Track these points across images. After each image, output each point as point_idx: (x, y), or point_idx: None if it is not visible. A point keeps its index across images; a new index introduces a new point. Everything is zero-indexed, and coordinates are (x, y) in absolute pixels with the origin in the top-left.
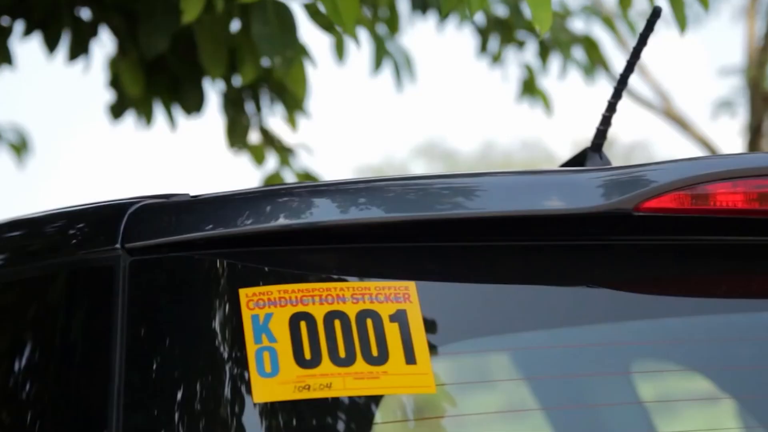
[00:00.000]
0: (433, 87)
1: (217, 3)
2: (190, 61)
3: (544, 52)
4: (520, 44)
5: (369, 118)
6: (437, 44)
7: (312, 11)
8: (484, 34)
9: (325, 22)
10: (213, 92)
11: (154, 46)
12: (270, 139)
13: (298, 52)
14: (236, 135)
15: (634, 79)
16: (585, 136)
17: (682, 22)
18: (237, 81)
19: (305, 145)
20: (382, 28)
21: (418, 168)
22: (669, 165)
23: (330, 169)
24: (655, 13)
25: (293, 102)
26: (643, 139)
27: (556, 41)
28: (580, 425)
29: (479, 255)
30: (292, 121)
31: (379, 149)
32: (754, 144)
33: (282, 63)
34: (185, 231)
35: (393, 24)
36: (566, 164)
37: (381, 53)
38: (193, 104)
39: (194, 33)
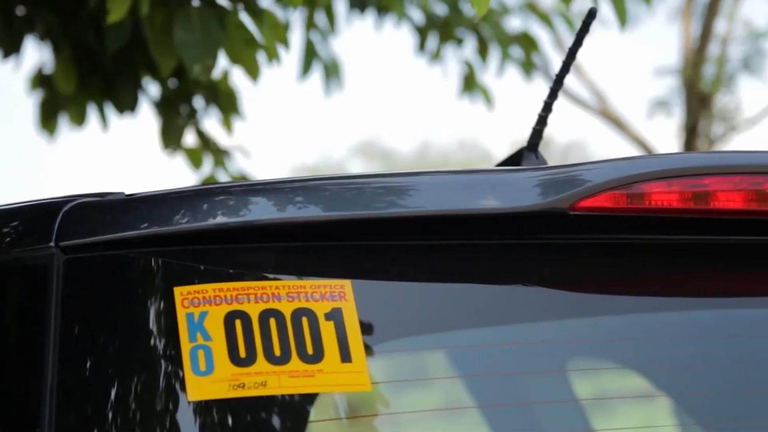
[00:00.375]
0: (371, 86)
1: (142, 5)
2: (123, 59)
3: (482, 49)
4: (459, 42)
5: (306, 118)
6: (375, 43)
7: (235, 24)
8: (422, 32)
9: (248, 37)
10: (148, 93)
11: (113, 41)
12: (206, 142)
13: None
14: (170, 137)
15: (570, 79)
16: (522, 136)
17: (622, 17)
18: (172, 82)
19: (241, 148)
20: (317, 30)
21: (356, 167)
22: (604, 164)
23: (267, 169)
24: (591, 14)
25: (228, 105)
26: (580, 139)
27: (495, 37)
28: (516, 423)
29: (415, 254)
30: (227, 124)
31: (316, 149)
32: (689, 144)
33: (201, 71)
34: (120, 229)
35: (330, 23)
36: (502, 164)
37: (310, 59)
38: (126, 104)
39: (140, 28)
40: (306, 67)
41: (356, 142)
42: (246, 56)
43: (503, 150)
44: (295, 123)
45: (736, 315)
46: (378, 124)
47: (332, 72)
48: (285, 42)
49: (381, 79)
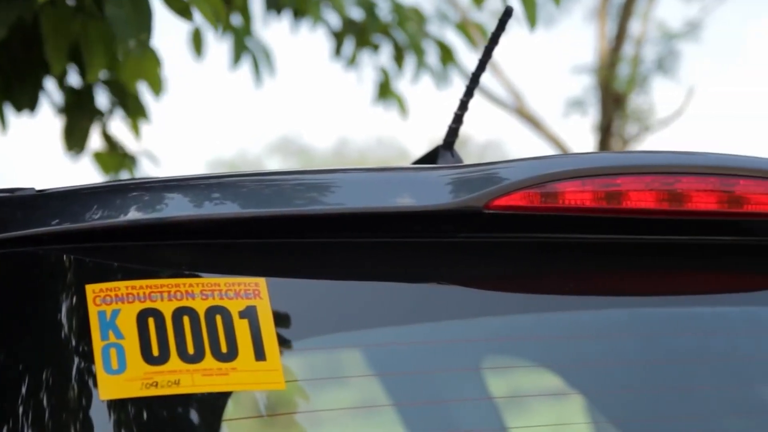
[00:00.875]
0: (290, 83)
1: None
2: (22, 57)
3: (398, 56)
4: (375, 48)
5: (224, 111)
6: (294, 41)
7: None
8: (338, 37)
9: (181, 7)
10: (51, 92)
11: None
12: (112, 145)
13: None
14: (74, 138)
15: (487, 78)
16: (440, 134)
17: (532, 19)
18: (74, 81)
19: (149, 153)
20: (237, 21)
21: (274, 164)
22: (519, 163)
23: (182, 163)
24: (507, 13)
25: (135, 108)
26: (497, 138)
27: (411, 45)
28: (431, 421)
29: (331, 251)
30: (135, 128)
31: (233, 143)
32: (604, 143)
33: (136, 46)
34: (30, 226)
35: (246, 23)
36: (418, 162)
37: (240, 47)
38: (25, 102)
39: (39, 25)
40: (237, 56)
41: (274, 139)
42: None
43: (421, 148)
44: (212, 116)
45: (648, 313)
46: (297, 121)
47: (264, 59)
48: (220, 8)
49: (300, 76)
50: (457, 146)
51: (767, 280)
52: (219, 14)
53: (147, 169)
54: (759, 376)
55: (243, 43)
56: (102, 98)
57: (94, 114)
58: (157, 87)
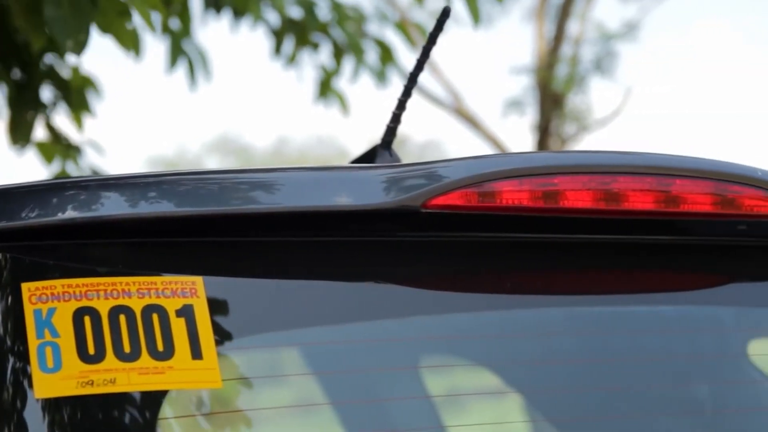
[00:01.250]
0: (230, 82)
1: None
2: None
3: (338, 55)
4: (315, 46)
5: (164, 108)
6: (234, 40)
7: None
8: (278, 35)
9: (120, 8)
10: None
11: None
12: (56, 137)
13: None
14: (19, 132)
15: (426, 78)
16: (380, 134)
17: (475, 15)
18: (16, 74)
19: (94, 143)
20: (175, 24)
21: (213, 162)
22: (456, 163)
23: (122, 160)
24: (445, 13)
25: (78, 101)
26: (436, 137)
27: (351, 45)
28: (369, 420)
29: (269, 250)
30: (77, 121)
31: (172, 141)
32: (542, 143)
33: (74, 47)
34: None
35: (185, 23)
36: (356, 161)
37: (176, 51)
38: None
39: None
40: (173, 60)
41: (213, 137)
42: (119, 28)
43: (360, 147)
44: (151, 114)
45: (584, 312)
46: (236, 119)
47: (200, 63)
48: (160, 8)
49: (240, 75)
50: (396, 146)
51: (702, 279)
52: (159, 12)
53: (92, 159)
54: (694, 374)
55: (179, 47)
56: (46, 92)
57: (39, 108)
58: (130, 44)
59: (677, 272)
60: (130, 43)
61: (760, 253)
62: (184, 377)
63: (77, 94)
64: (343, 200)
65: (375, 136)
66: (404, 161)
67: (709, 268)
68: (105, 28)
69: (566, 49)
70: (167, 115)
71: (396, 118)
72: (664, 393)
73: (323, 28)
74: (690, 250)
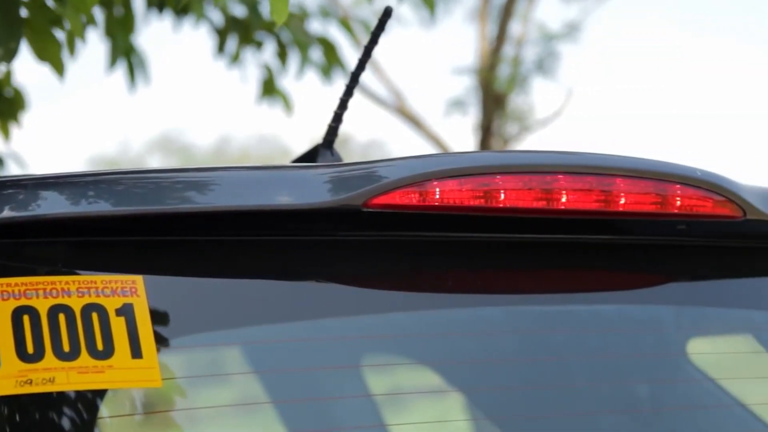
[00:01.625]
0: (172, 79)
1: None
2: None
3: (282, 53)
4: (259, 45)
5: (106, 107)
6: (176, 38)
7: (38, 4)
8: (221, 34)
9: (52, 17)
10: None
11: None
12: None
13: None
14: None
15: (370, 78)
16: (322, 133)
17: (431, 6)
18: None
19: (16, 156)
20: (114, 29)
21: (155, 161)
22: (398, 162)
23: (62, 159)
24: (387, 13)
25: (8, 110)
26: (379, 137)
27: (295, 42)
28: (311, 418)
29: (210, 250)
30: (4, 131)
31: (115, 139)
32: (484, 143)
33: (4, 55)
34: None
35: (128, 23)
36: (298, 160)
37: (116, 52)
38: None
39: None
40: (112, 61)
41: (156, 135)
42: (47, 45)
43: (303, 146)
44: (93, 111)
45: (525, 311)
46: (178, 117)
47: (139, 66)
48: (90, 17)
49: (182, 73)
50: (338, 145)
51: (642, 278)
52: (89, 21)
53: (13, 172)
54: (633, 373)
55: (119, 49)
56: None
57: None
58: (59, 67)
59: (617, 271)
60: (55, 61)
61: (699, 253)
62: (123, 376)
63: (7, 104)
64: (285, 199)
65: (317, 136)
66: (346, 161)
67: (649, 267)
68: (33, 46)
69: (508, 50)
70: (110, 113)
71: (338, 118)
72: (604, 391)
73: (268, 27)
74: (630, 249)
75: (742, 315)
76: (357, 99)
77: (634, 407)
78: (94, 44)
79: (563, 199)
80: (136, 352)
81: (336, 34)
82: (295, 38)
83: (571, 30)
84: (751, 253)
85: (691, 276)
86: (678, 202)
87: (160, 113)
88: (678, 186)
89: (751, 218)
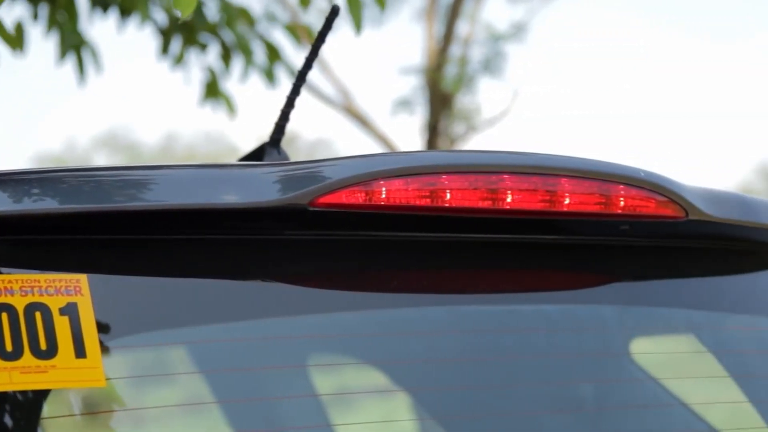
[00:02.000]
0: (118, 76)
1: None
2: None
3: (226, 56)
4: (203, 47)
5: (51, 103)
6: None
7: None
8: (166, 35)
9: None
10: None
11: None
12: None
13: None
14: None
15: (317, 77)
16: (270, 131)
17: (357, 23)
18: None
19: None
20: (62, 17)
21: (101, 158)
22: (344, 161)
23: (5, 157)
24: (333, 12)
25: None
26: (327, 136)
27: (239, 45)
28: (257, 419)
29: (155, 248)
30: None
31: (60, 136)
32: (431, 142)
33: None
34: None
35: (72, 21)
36: (244, 159)
37: (66, 44)
38: None
39: None
40: (62, 53)
41: (102, 132)
42: None
43: (250, 144)
44: (40, 108)
45: (471, 311)
46: (124, 114)
47: (90, 58)
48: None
49: (128, 70)
50: (286, 144)
51: (586, 278)
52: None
53: None
54: (578, 372)
55: (69, 40)
56: None
57: None
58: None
59: (561, 271)
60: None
61: (642, 253)
62: (67, 376)
63: None
64: (231, 198)
65: (264, 134)
66: (293, 159)
67: (593, 267)
68: None
69: (455, 50)
70: (55, 109)
71: (284, 116)
72: (549, 391)
73: (212, 29)
74: (574, 249)
75: (685, 315)
76: (304, 97)
77: (578, 407)
78: (38, 41)
79: (509, 199)
80: (80, 351)
81: (281, 37)
82: (239, 41)
83: (518, 30)
84: (693, 254)
85: (635, 276)
86: (621, 203)
87: (107, 109)
88: (621, 186)
89: (694, 219)
